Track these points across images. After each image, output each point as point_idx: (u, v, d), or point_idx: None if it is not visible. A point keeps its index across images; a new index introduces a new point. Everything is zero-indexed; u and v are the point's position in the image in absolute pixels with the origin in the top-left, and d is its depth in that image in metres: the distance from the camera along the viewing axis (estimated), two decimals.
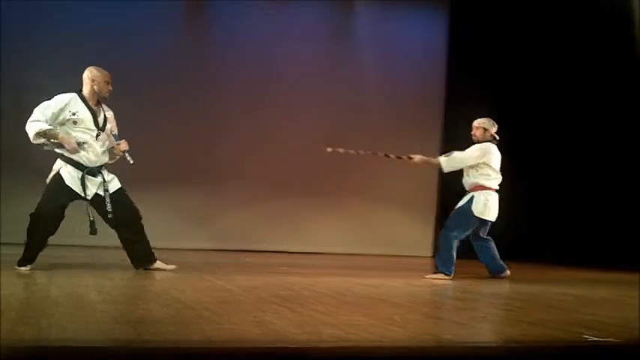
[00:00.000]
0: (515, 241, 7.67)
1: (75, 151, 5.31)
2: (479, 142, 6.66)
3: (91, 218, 5.48)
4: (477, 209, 6.46)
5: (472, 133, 6.75)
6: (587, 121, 9.16)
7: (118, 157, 5.67)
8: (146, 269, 5.66)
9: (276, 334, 2.90)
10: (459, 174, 10.23)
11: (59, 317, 3.13)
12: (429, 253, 10.62)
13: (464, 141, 10.41)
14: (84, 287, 4.35)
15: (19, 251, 5.39)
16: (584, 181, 8.85)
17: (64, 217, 5.40)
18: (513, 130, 10.19)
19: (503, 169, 6.72)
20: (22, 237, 5.43)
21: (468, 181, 6.64)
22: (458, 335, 3.04)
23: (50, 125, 5.29)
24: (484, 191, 6.52)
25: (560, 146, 9.18)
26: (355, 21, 10.45)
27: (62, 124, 5.36)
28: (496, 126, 6.71)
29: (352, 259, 9.02)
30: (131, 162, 5.57)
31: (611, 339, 3.20)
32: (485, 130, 6.68)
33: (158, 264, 5.72)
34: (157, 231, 8.39)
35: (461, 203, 6.62)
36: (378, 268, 7.82)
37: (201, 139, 9.43)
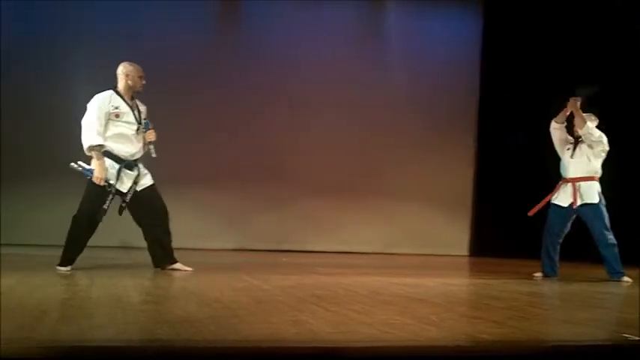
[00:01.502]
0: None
1: (100, 182, 5.38)
2: (578, 136, 6.54)
3: (123, 205, 5.55)
4: None
5: (574, 129, 6.60)
6: (627, 116, 9.01)
7: (146, 150, 5.71)
8: (165, 269, 5.71)
9: (312, 334, 2.91)
10: (493, 174, 10.13)
11: (100, 317, 3.19)
12: (465, 252, 10.56)
13: (498, 140, 10.40)
14: (124, 288, 4.42)
15: (54, 252, 5.50)
16: (626, 178, 8.68)
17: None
18: (543, 127, 10.10)
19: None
20: (55, 238, 5.54)
21: (585, 168, 6.49)
22: (494, 334, 3.02)
23: (103, 139, 5.40)
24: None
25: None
26: (387, 20, 10.43)
27: (107, 119, 5.46)
28: (597, 121, 6.58)
29: (388, 259, 9.01)
30: (153, 155, 5.63)
31: None
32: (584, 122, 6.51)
33: (178, 265, 5.77)
34: (193, 231, 8.61)
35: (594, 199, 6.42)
36: (414, 267, 7.80)
37: (237, 138, 9.50)
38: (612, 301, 4.98)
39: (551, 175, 8.88)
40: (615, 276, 6.32)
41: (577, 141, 6.56)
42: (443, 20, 10.72)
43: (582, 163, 6.49)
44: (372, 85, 10.17)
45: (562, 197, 6.54)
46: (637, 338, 3.10)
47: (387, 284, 5.34)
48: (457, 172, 10.61)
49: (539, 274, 6.62)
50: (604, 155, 6.50)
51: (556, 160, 7.28)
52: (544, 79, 10.06)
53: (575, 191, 6.42)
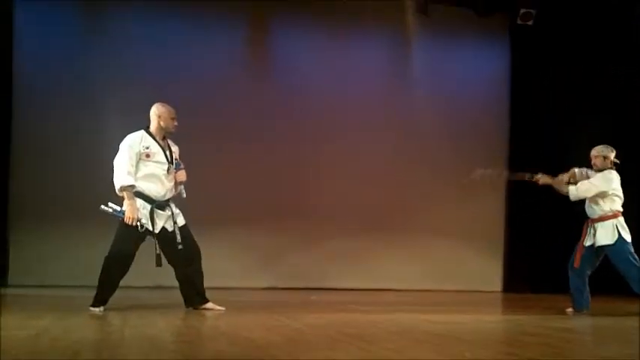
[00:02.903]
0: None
1: (132, 222, 5.44)
2: (599, 171, 6.53)
3: (158, 251, 5.59)
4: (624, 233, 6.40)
5: (592, 162, 6.61)
6: None
7: (177, 191, 5.75)
8: (197, 308, 5.71)
9: None
10: (524, 210, 10.10)
11: (133, 357, 3.20)
12: (498, 287, 10.43)
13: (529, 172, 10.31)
14: (156, 328, 4.43)
15: (88, 293, 5.54)
16: None
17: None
18: (573, 162, 10.02)
19: None
20: (88, 280, 5.59)
21: (595, 210, 6.49)
22: None
23: (134, 180, 5.47)
24: (619, 217, 6.45)
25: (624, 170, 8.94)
26: (415, 60, 10.43)
27: (138, 159, 5.55)
28: (614, 151, 6.58)
29: (420, 295, 8.92)
30: (184, 196, 5.69)
31: None
32: (604, 157, 6.54)
33: (210, 304, 5.76)
34: (224, 270, 8.62)
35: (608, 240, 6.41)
36: (447, 303, 7.71)
37: (264, 175, 9.49)
38: None
39: (579, 211, 8.80)
40: None
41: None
42: (470, 59, 10.71)
43: (595, 203, 6.50)
44: (403, 123, 10.15)
45: (586, 237, 6.54)
46: None
47: (419, 321, 5.29)
48: (489, 206, 10.51)
49: (570, 310, 6.54)
50: (611, 194, 6.45)
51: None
52: (573, 111, 10.02)
53: (594, 232, 6.45)
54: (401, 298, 8.28)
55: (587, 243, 6.48)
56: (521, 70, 10.59)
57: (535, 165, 10.21)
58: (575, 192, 6.56)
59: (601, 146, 6.61)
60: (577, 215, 8.89)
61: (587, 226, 6.54)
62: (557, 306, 6.93)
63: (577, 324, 5.48)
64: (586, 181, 6.54)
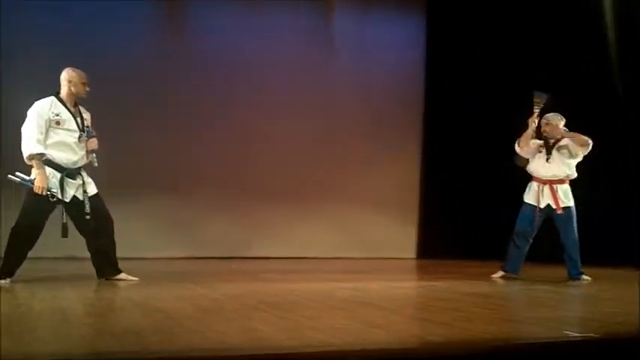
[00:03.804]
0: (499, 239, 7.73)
1: (41, 191, 5.27)
2: (550, 138, 6.58)
3: (64, 221, 5.46)
4: None
5: (542, 130, 6.61)
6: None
7: (88, 159, 5.60)
8: (109, 279, 5.61)
9: (262, 341, 2.90)
10: (439, 177, 10.26)
11: (42, 331, 3.11)
12: (412, 254, 10.67)
13: (445, 141, 10.54)
14: (66, 300, 4.32)
15: None
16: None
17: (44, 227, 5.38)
18: (488, 130, 10.27)
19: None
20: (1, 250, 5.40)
21: (564, 171, 6.53)
22: (442, 336, 3.05)
23: (43, 148, 5.28)
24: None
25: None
26: (332, 23, 10.46)
27: (47, 127, 5.35)
28: (564, 120, 6.62)
29: (336, 263, 9.03)
30: (95, 164, 5.54)
31: (591, 334, 3.23)
32: (555, 125, 6.56)
33: (122, 275, 5.66)
34: (135, 240, 8.46)
35: (570, 202, 6.50)
36: (362, 271, 7.83)
37: (182, 145, 9.38)
38: (557, 300, 5.09)
39: (497, 175, 9.03)
40: (578, 276, 6.45)
41: (553, 145, 6.57)
42: (387, 25, 10.80)
43: (560, 166, 6.54)
44: (317, 90, 10.19)
45: (534, 197, 6.55)
46: (578, 335, 3.17)
47: (335, 289, 5.35)
48: (404, 176, 10.71)
49: (498, 275, 6.66)
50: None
51: (500, 162, 7.38)
52: (490, 81, 10.22)
53: (554, 193, 6.48)
54: (318, 266, 8.36)
55: (543, 204, 6.51)
56: (437, 36, 10.76)
57: (449, 134, 10.49)
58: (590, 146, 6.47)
59: (551, 114, 6.64)
60: (490, 183, 9.17)
61: (539, 188, 6.53)
62: (469, 272, 7.14)
63: (488, 290, 5.66)
64: (575, 148, 6.50)
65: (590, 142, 6.46)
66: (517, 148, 6.66)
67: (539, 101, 6.50)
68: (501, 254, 6.86)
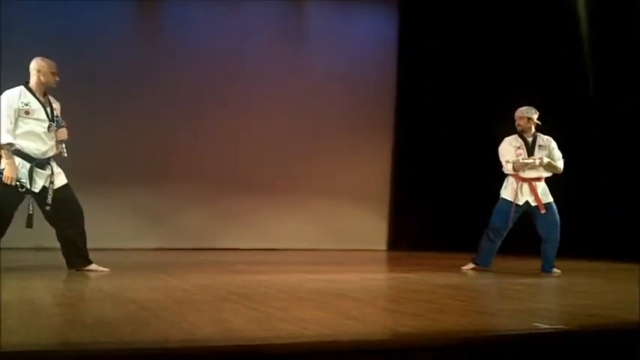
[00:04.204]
0: (470, 231, 7.79)
1: (10, 182, 5.19)
2: (524, 132, 6.63)
3: (30, 211, 5.41)
4: None
5: (516, 124, 6.65)
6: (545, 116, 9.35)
7: (57, 149, 5.53)
8: (79, 270, 5.56)
9: (232, 332, 2.89)
10: (409, 169, 10.31)
11: (12, 322, 3.07)
12: (383, 246, 10.72)
13: (416, 134, 10.61)
14: (36, 290, 4.28)
15: None
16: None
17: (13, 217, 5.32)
18: (459, 123, 10.35)
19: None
20: None
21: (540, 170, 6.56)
22: (414, 327, 3.07)
23: (12, 137, 5.22)
24: None
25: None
26: (305, 19, 10.46)
27: (17, 117, 5.27)
28: (537, 113, 6.65)
29: (308, 255, 9.04)
30: (64, 155, 5.48)
31: (561, 326, 3.27)
32: (528, 119, 6.60)
33: (93, 266, 5.62)
34: (110, 231, 8.41)
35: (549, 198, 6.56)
36: (334, 262, 7.86)
37: (153, 138, 9.35)
38: (528, 292, 5.14)
39: (468, 169, 9.11)
40: (550, 269, 6.53)
41: (533, 146, 6.61)
42: (359, 19, 10.83)
43: (540, 168, 6.56)
44: (290, 84, 10.20)
45: (512, 194, 6.57)
46: (547, 326, 3.21)
47: (306, 280, 5.36)
48: (376, 169, 10.77)
49: (468, 267, 6.73)
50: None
51: (470, 155, 7.46)
52: (460, 76, 10.30)
53: (534, 190, 6.51)
54: (288, 258, 8.37)
55: (522, 201, 6.55)
56: (409, 29, 10.82)
57: (420, 128, 10.56)
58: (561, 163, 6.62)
59: (525, 107, 6.68)
60: (461, 176, 9.23)
61: (517, 185, 6.55)
62: (440, 264, 7.19)
63: (460, 281, 5.71)
64: (557, 151, 6.60)
65: (560, 170, 6.58)
66: (508, 169, 6.64)
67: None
68: (472, 247, 6.92)
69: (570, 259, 7.33)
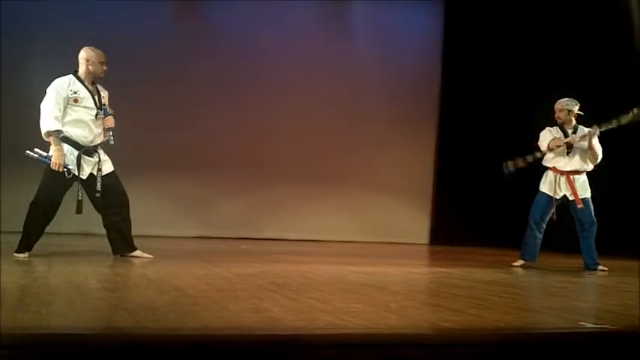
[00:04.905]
0: (512, 227, 7.70)
1: (58, 168, 5.29)
2: (564, 124, 6.57)
3: (79, 197, 5.50)
4: None
5: (556, 116, 6.61)
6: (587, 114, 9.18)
7: (105, 137, 5.61)
8: (124, 256, 5.65)
9: (272, 322, 2.91)
10: (453, 164, 10.21)
11: (58, 305, 3.14)
12: (425, 240, 10.67)
13: (460, 129, 10.51)
14: (82, 275, 4.36)
15: (16, 239, 5.41)
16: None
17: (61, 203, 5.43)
18: (503, 118, 10.21)
19: None
20: (14, 225, 5.45)
21: (582, 164, 6.52)
22: (455, 322, 3.05)
23: (61, 125, 5.32)
24: None
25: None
26: (350, 14, 10.44)
27: (65, 104, 5.37)
28: (578, 104, 6.59)
29: (349, 247, 9.05)
30: (112, 142, 5.55)
31: (607, 326, 3.22)
32: (569, 111, 6.55)
33: (137, 252, 5.71)
34: (154, 219, 8.54)
35: (587, 193, 6.51)
36: (375, 255, 7.84)
37: (200, 127, 9.46)
38: (570, 289, 5.06)
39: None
40: (594, 266, 6.44)
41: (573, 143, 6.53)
42: (404, 14, 10.77)
43: (579, 159, 6.51)
44: (335, 78, 10.20)
45: (550, 187, 6.55)
46: (592, 326, 3.16)
47: (347, 272, 5.36)
48: (419, 162, 10.71)
49: (518, 263, 6.66)
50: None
51: (513, 150, 7.32)
52: (504, 71, 10.17)
53: (573, 186, 6.46)
54: (330, 249, 8.38)
55: (559, 195, 6.51)
56: (455, 25, 10.72)
57: (464, 123, 10.46)
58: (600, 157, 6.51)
59: (565, 99, 6.62)
60: (502, 172, 9.02)
61: (555, 178, 6.52)
62: (481, 259, 7.13)
63: (502, 277, 5.65)
64: (596, 143, 6.47)
65: (599, 159, 6.47)
66: (544, 149, 6.57)
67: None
68: (514, 242, 6.84)
69: (618, 258, 7.18)
